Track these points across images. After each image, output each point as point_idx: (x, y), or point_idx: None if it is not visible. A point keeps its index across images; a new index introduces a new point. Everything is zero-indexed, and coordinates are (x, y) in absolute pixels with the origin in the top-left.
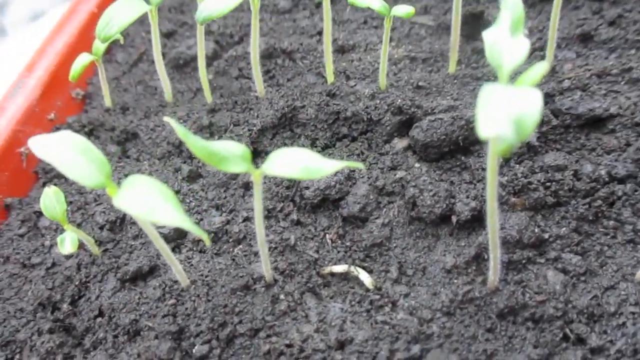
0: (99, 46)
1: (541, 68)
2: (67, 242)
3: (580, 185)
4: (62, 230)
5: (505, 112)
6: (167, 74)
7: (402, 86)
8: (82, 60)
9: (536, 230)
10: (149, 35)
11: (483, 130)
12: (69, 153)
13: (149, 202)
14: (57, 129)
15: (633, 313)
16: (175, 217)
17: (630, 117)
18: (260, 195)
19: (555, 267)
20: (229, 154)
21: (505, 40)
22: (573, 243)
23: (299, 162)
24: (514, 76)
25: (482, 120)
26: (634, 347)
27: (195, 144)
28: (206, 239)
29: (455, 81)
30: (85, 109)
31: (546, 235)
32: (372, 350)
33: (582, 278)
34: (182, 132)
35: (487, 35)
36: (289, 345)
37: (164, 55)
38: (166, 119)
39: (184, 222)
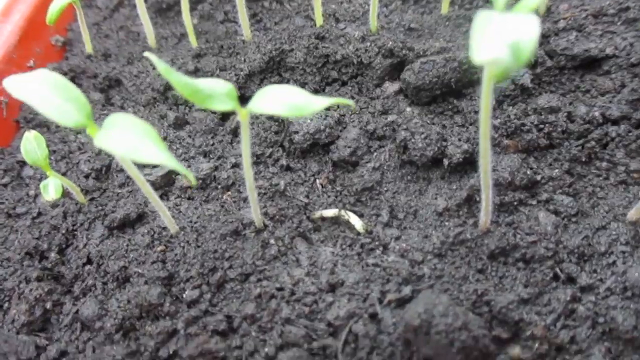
0: None
1: None
2: (51, 188)
3: (573, 127)
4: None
5: (502, 36)
6: (150, 18)
7: (394, 28)
8: (60, 2)
9: (528, 172)
10: None
11: (478, 54)
12: (47, 92)
13: (131, 140)
14: None
15: (623, 252)
16: (159, 155)
17: (626, 58)
18: (248, 136)
19: (547, 208)
20: (214, 91)
21: None
22: (565, 185)
23: (286, 99)
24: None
25: (477, 44)
26: (623, 285)
27: (179, 81)
28: (192, 178)
29: (448, 23)
30: (66, 55)
31: (538, 177)
32: (363, 292)
33: (574, 219)
34: (164, 69)
35: None
36: (279, 289)
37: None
38: (147, 54)
39: (168, 159)
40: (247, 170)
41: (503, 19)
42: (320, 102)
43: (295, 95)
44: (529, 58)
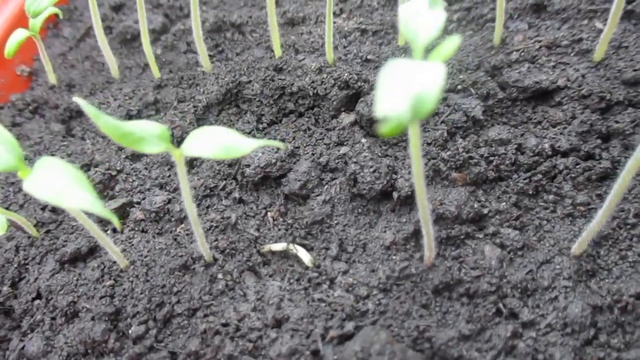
0: (35, 21)
1: (454, 42)
2: None
3: (523, 159)
4: None
5: (405, 88)
6: (114, 49)
7: (351, 60)
8: (18, 36)
9: (475, 205)
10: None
11: (380, 108)
12: None
13: (57, 185)
14: (0, 107)
15: (565, 287)
16: (86, 201)
17: (577, 90)
18: (185, 175)
19: (493, 242)
20: (145, 134)
21: (421, 13)
22: (512, 218)
23: (218, 141)
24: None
25: (380, 97)
26: (563, 321)
27: (107, 124)
28: (117, 224)
29: (404, 54)
30: (31, 86)
31: (485, 210)
32: (307, 327)
33: (519, 253)
34: (92, 112)
35: (403, 9)
36: (225, 325)
37: (111, 29)
38: (75, 99)
39: (94, 206)
40: (189, 207)
41: (409, 69)
42: (250, 144)
43: (226, 137)
44: (432, 110)
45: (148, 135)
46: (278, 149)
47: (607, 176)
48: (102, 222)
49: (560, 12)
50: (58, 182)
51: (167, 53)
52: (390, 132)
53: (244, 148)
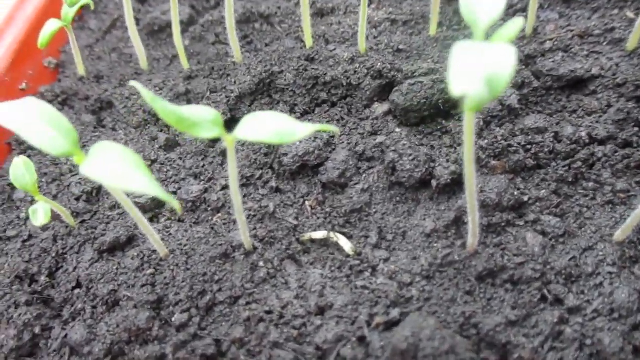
0: (68, 11)
1: (518, 24)
2: (40, 214)
3: (560, 147)
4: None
5: (478, 68)
6: (142, 40)
7: (382, 50)
8: (51, 26)
9: (516, 193)
10: (122, 1)
11: (455, 87)
12: (34, 120)
13: (117, 169)
14: None
15: (610, 273)
16: (145, 184)
17: (612, 78)
18: (234, 161)
19: (534, 229)
20: (199, 119)
21: None
22: (552, 205)
23: (271, 126)
24: (491, 34)
25: (453, 77)
26: (610, 307)
27: (165, 109)
28: (178, 206)
29: (436, 44)
30: (59, 78)
31: (525, 198)
32: (352, 315)
33: (561, 240)
34: (150, 97)
35: None
36: (268, 312)
37: (138, 21)
38: (133, 83)
39: (155, 189)
40: (235, 195)
41: (480, 50)
42: (305, 129)
43: (281, 122)
44: (505, 90)
45: (203, 120)
46: (316, 138)
47: None
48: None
49: (590, 1)
50: (119, 167)
51: (196, 44)
52: (475, 108)
53: (298, 133)
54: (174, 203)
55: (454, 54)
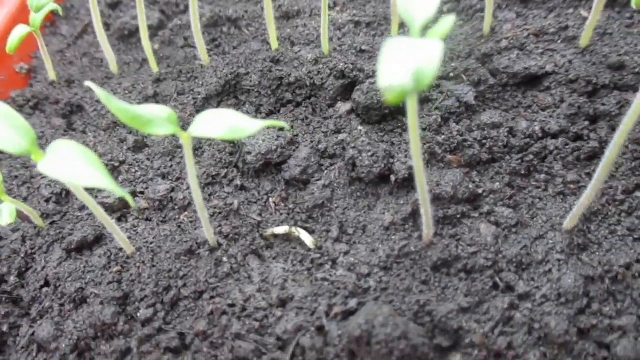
0: (36, 17)
1: (449, 21)
2: (5, 213)
3: (514, 141)
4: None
5: (405, 62)
6: (112, 45)
7: (346, 50)
8: (19, 31)
9: (470, 185)
10: None
11: (382, 80)
12: None
13: (72, 165)
14: None
15: (559, 260)
16: (98, 178)
17: (565, 75)
18: (192, 158)
19: (488, 220)
20: (154, 116)
21: None
22: (506, 197)
23: (224, 123)
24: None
25: (382, 70)
26: (558, 292)
27: (119, 107)
28: (131, 201)
29: None
30: (30, 83)
31: (480, 190)
32: (312, 305)
33: (513, 230)
34: (104, 96)
35: None
36: (231, 305)
37: (108, 26)
38: (88, 83)
39: (107, 183)
40: (195, 191)
41: (409, 45)
42: (256, 125)
43: (233, 118)
44: (431, 82)
45: (157, 118)
46: (278, 136)
47: (595, 156)
48: (107, 212)
49: (546, 1)
50: (73, 163)
51: (165, 48)
52: (394, 100)
53: (250, 128)
54: (127, 197)
55: (384, 49)
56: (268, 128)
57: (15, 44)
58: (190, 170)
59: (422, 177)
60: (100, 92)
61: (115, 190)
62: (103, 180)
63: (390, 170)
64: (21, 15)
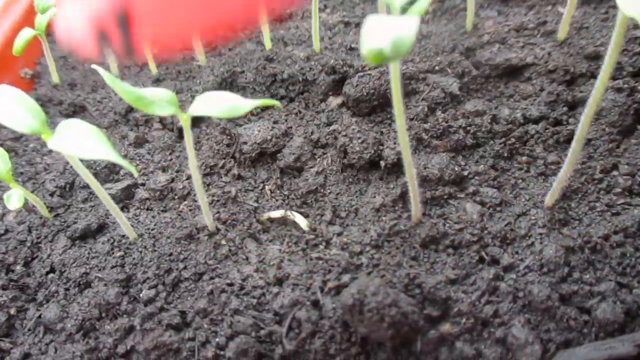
0: (41, 20)
1: (425, 2)
2: (14, 198)
3: (497, 127)
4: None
5: (386, 32)
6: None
7: (336, 49)
8: (25, 34)
9: (456, 168)
10: None
11: (365, 45)
12: (4, 102)
13: (80, 141)
14: None
15: (541, 234)
16: (105, 151)
17: (544, 66)
18: (191, 137)
19: (473, 200)
20: (156, 98)
21: None
22: (490, 178)
23: (222, 102)
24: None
25: (365, 38)
26: (539, 262)
27: (124, 89)
28: (134, 170)
29: None
30: (35, 87)
31: (465, 173)
32: (307, 282)
33: (498, 208)
34: (109, 78)
35: None
36: (230, 284)
37: None
38: (94, 66)
39: (113, 155)
40: (194, 172)
41: (389, 19)
42: (250, 103)
43: (229, 99)
44: (408, 50)
45: (158, 99)
46: (273, 127)
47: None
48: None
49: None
50: (81, 139)
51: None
52: (374, 59)
53: (245, 106)
54: (131, 168)
55: (366, 23)
56: (263, 120)
57: (22, 46)
58: (189, 151)
59: (408, 156)
60: (106, 75)
61: (121, 162)
62: (108, 152)
63: (379, 157)
64: (26, 23)
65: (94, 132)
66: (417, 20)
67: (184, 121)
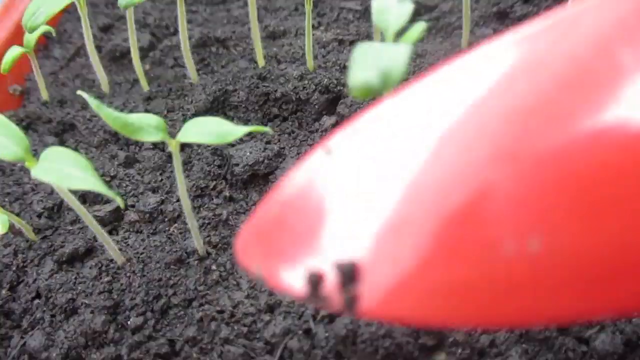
0: (30, 38)
1: (420, 27)
2: None
3: None
4: None
5: (375, 63)
6: (104, 66)
7: (330, 67)
8: (13, 52)
9: None
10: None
11: (351, 79)
12: None
13: (63, 170)
14: None
15: None
16: (90, 181)
17: None
18: (180, 164)
19: None
20: (143, 124)
21: (391, 3)
22: None
23: (211, 129)
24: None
25: (352, 70)
26: None
27: (110, 115)
28: (120, 200)
29: None
30: (24, 104)
31: None
32: (299, 310)
33: None
34: (95, 104)
35: (376, 1)
36: (220, 312)
37: (100, 48)
38: (80, 92)
39: (99, 185)
40: (184, 198)
41: (379, 48)
42: (240, 129)
43: (219, 124)
44: (398, 82)
45: (146, 125)
46: (265, 148)
47: None
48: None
49: (521, 18)
50: (65, 167)
51: (156, 68)
52: (360, 94)
53: (236, 133)
54: (117, 199)
55: (355, 52)
56: (255, 141)
57: (9, 64)
58: (178, 177)
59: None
60: (91, 101)
61: (106, 192)
62: (94, 182)
63: None
64: (14, 41)
65: (79, 161)
66: (408, 50)
67: (173, 147)
